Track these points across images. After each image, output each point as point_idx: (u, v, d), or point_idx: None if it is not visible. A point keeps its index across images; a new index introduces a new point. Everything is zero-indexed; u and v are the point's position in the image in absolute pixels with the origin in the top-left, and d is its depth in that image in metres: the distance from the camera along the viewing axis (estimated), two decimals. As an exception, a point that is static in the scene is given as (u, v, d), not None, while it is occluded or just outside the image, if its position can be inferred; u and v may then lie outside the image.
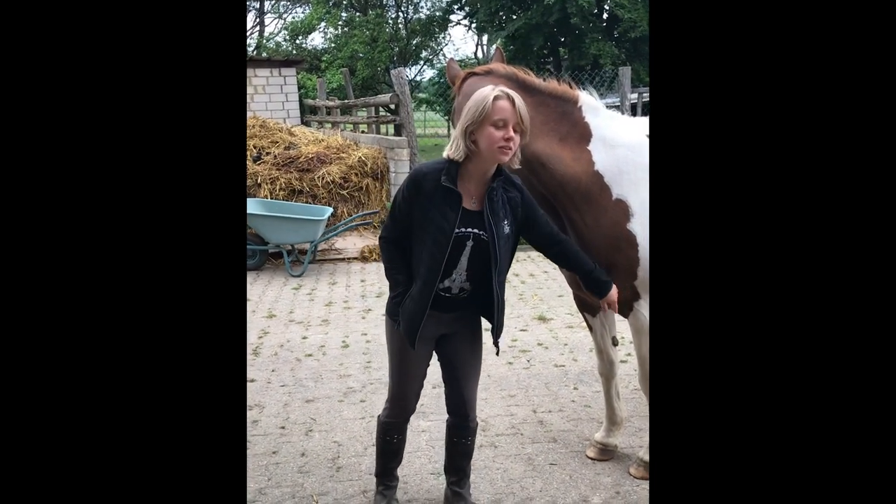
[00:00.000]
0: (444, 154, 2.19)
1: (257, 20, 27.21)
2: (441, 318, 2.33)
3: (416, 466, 3.03)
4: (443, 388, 3.83)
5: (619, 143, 2.52)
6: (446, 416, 2.59)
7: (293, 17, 23.37)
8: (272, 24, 26.96)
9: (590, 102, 2.55)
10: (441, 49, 23.80)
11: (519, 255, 7.37)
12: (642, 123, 2.65)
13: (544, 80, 2.60)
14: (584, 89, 2.58)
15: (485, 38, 23.19)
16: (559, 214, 2.63)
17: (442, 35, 22.07)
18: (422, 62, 22.95)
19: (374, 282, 6.42)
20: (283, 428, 3.47)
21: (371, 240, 7.62)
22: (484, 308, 2.37)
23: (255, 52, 22.29)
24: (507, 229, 2.23)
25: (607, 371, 3.02)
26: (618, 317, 2.95)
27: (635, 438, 3.21)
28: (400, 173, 7.76)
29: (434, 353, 2.47)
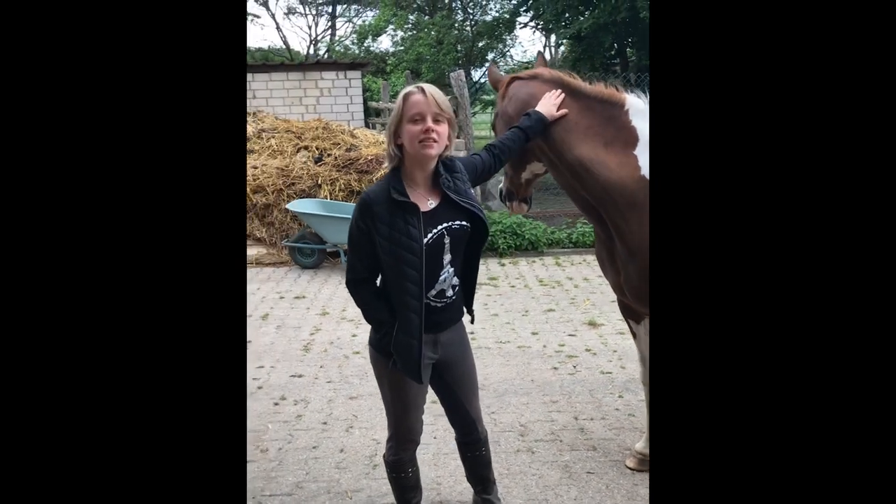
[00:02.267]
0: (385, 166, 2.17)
1: (329, 24, 27.82)
2: (437, 341, 2.23)
3: (451, 468, 3.03)
4: (482, 392, 3.83)
5: (663, 146, 2.45)
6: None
7: (364, 21, 23.79)
8: (342, 28, 27.43)
9: (637, 106, 2.49)
10: (508, 51, 23.73)
11: (573, 258, 7.27)
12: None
13: (590, 83, 2.57)
14: (632, 92, 2.52)
15: (552, 38, 22.97)
16: (604, 220, 2.58)
17: (509, 37, 22.01)
18: (487, 64, 22.94)
19: (426, 282, 6.47)
20: (325, 423, 3.53)
21: (427, 241, 7.66)
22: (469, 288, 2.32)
23: (325, 56, 22.78)
24: (473, 193, 2.22)
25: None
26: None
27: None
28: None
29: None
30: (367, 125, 12.11)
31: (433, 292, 2.16)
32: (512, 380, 4.05)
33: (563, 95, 2.48)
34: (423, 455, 3.15)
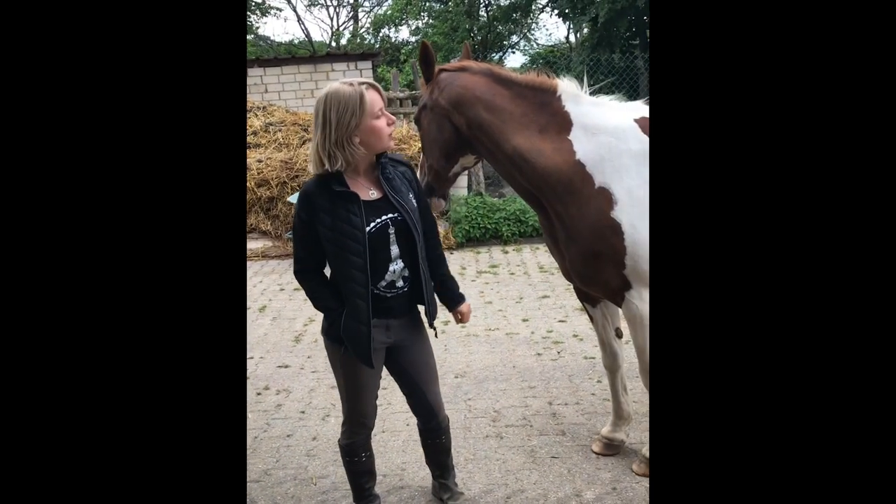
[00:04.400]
0: (313, 171, 2.12)
1: (351, 15, 27.82)
2: (389, 326, 2.26)
3: (418, 455, 3.04)
4: (461, 379, 3.86)
5: (601, 129, 2.44)
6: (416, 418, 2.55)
7: (383, 11, 23.72)
8: (364, 19, 27.36)
9: (570, 91, 2.48)
10: (531, 33, 23.45)
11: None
12: (633, 107, 2.56)
13: (520, 72, 2.58)
14: (564, 77, 2.52)
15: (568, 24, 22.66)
16: (546, 210, 2.58)
17: (531, 20, 21.77)
18: (506, 49, 22.74)
19: (426, 271, 6.50)
20: (302, 412, 3.60)
21: (430, 229, 7.68)
22: (419, 293, 2.30)
23: (348, 48, 22.79)
24: (413, 202, 2.23)
25: (611, 364, 2.95)
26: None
27: (643, 434, 3.11)
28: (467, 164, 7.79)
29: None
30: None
31: (383, 283, 2.19)
32: (493, 367, 4.07)
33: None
34: (394, 441, 3.21)
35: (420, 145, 7.36)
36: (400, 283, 2.23)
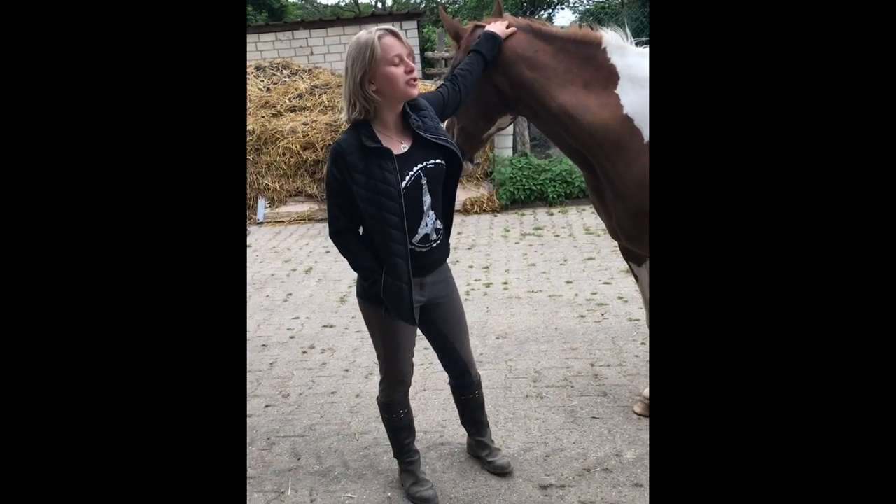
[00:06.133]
0: (344, 120, 2.11)
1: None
2: (423, 284, 2.26)
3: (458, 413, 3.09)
4: (503, 341, 3.86)
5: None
6: (450, 377, 2.57)
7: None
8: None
9: (615, 42, 2.39)
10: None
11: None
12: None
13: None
14: (609, 28, 2.42)
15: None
16: (593, 168, 2.52)
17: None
18: (555, 5, 22.14)
19: (469, 234, 6.48)
20: (346, 370, 3.67)
21: (474, 192, 7.64)
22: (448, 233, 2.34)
23: (393, 7, 22.56)
24: (443, 128, 2.23)
25: (655, 325, 2.90)
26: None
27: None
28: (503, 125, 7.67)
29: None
30: (425, 76, 12.01)
31: (417, 238, 2.19)
32: (535, 328, 4.06)
33: (508, 24, 2.44)
34: (435, 399, 3.24)
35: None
36: (434, 237, 2.23)
